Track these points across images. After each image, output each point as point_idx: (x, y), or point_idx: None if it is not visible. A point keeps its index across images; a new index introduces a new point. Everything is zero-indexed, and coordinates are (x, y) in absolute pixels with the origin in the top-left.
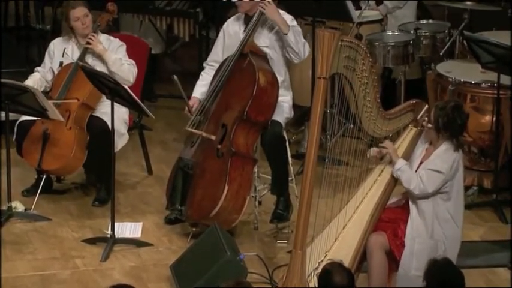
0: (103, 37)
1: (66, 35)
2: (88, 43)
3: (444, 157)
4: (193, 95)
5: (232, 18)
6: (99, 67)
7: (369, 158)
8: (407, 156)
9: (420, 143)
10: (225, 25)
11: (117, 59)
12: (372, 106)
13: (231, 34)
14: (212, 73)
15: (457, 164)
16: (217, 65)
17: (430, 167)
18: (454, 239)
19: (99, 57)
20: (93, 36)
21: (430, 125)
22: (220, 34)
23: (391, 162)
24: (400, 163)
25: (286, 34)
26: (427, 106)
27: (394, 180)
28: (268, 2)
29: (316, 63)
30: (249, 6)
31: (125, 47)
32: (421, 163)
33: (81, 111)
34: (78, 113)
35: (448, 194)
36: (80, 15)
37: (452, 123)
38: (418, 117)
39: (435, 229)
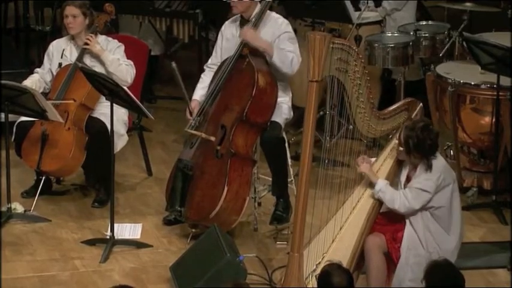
0: (101, 38)
1: (66, 35)
2: (86, 44)
3: (427, 176)
4: (193, 97)
5: (228, 20)
6: (98, 68)
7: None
8: (391, 176)
9: (404, 167)
10: (222, 28)
11: (114, 59)
12: (366, 107)
13: (228, 37)
14: (212, 75)
15: (443, 181)
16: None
17: (415, 186)
18: (448, 250)
19: (98, 58)
20: (91, 37)
21: (401, 148)
22: (219, 37)
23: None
24: (380, 184)
25: (271, 58)
26: (421, 104)
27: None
28: (247, 29)
29: (308, 66)
30: (243, 7)
31: (123, 47)
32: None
33: (80, 112)
34: (77, 113)
35: (437, 208)
36: (68, 13)
37: (422, 144)
38: (413, 116)
39: (428, 241)
